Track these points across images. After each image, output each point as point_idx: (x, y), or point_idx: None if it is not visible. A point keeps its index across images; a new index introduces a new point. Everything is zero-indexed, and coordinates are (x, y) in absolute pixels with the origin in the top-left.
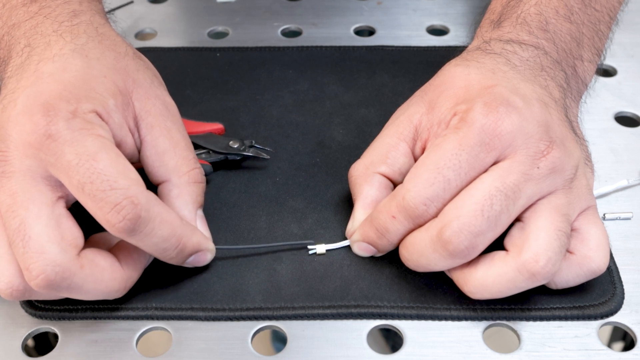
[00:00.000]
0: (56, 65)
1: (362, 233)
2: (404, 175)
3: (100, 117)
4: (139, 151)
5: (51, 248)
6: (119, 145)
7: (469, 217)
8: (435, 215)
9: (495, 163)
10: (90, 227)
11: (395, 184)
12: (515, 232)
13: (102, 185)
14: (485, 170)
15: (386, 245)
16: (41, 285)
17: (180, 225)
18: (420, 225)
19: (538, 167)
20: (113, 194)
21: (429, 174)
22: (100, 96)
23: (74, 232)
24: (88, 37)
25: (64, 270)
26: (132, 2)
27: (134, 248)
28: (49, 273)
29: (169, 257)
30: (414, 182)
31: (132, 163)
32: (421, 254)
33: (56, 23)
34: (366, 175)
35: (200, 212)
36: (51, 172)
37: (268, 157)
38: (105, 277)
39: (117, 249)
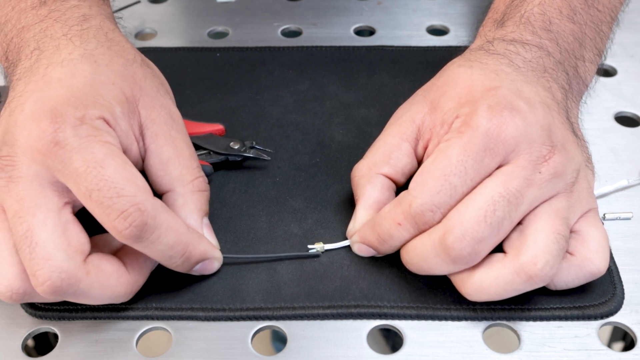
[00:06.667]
0: (65, 70)
1: (362, 237)
2: (406, 175)
3: (108, 123)
4: (143, 160)
5: (57, 255)
6: (124, 152)
7: (472, 223)
8: (440, 221)
9: (498, 167)
10: (97, 232)
11: (397, 185)
12: (514, 234)
13: (109, 193)
14: (489, 175)
15: (387, 250)
16: (47, 292)
17: (187, 233)
18: (423, 231)
19: (540, 172)
20: (120, 201)
21: (435, 181)
22: (108, 103)
23: (80, 238)
24: (97, 43)
25: (70, 277)
26: (139, 1)
27: (140, 252)
28: (54, 280)
29: (175, 264)
30: (420, 189)
31: None
32: (423, 258)
33: (66, 27)
34: (369, 176)
35: (206, 220)
36: (58, 178)
37: (268, 158)
38: (112, 282)
39: (123, 253)
